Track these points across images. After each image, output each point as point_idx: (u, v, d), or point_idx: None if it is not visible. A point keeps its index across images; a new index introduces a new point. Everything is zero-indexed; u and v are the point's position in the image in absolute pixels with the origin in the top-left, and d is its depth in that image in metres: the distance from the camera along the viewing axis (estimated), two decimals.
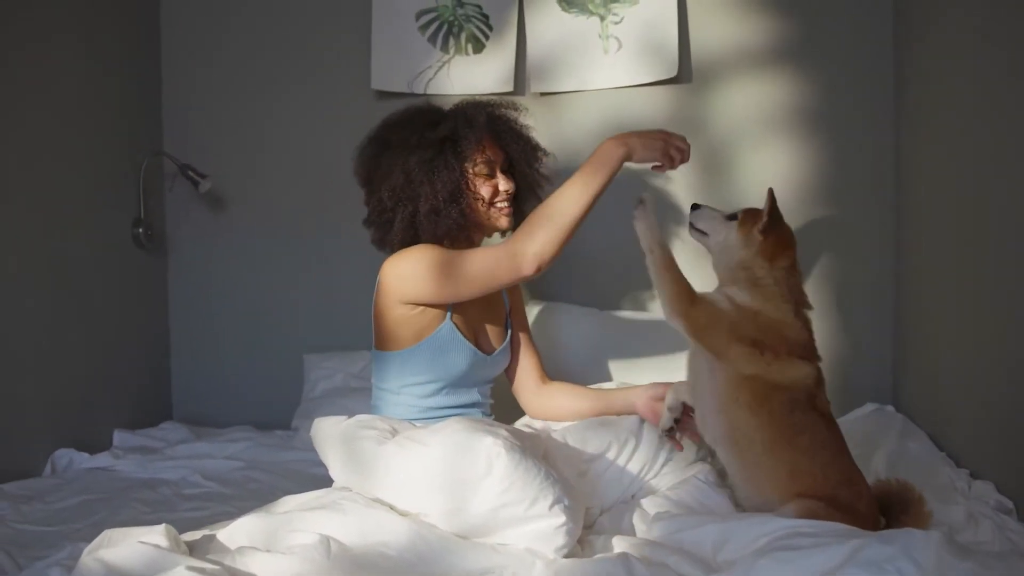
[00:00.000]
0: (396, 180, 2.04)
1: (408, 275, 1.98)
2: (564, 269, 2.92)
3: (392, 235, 2.08)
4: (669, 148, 1.95)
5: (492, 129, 2.13)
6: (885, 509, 1.76)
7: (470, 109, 2.14)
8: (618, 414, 2.11)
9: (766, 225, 1.83)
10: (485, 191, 2.09)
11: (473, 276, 1.95)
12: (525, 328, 2.34)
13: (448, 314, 2.05)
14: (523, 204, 2.21)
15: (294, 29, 3.12)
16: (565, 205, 1.90)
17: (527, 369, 2.27)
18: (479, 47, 2.96)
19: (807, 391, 1.77)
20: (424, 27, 2.98)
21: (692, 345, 1.88)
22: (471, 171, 2.07)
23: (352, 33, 3.05)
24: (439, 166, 2.02)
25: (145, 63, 3.14)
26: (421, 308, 2.01)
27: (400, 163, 2.04)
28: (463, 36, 2.96)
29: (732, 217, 1.90)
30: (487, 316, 2.19)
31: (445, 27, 2.97)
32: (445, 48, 2.97)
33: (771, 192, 1.84)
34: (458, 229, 2.05)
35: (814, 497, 1.66)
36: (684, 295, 1.82)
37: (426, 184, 2.02)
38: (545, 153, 2.26)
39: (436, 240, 2.05)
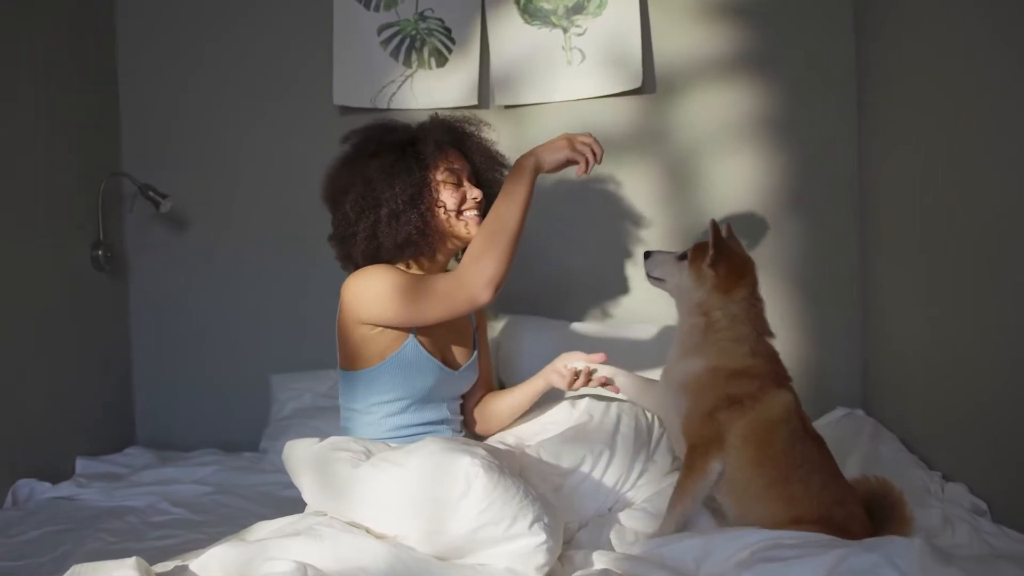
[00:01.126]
0: (357, 189, 2.01)
1: (368, 296, 1.95)
2: (532, 281, 2.92)
3: (355, 248, 2.04)
4: (576, 145, 1.95)
5: (454, 139, 2.12)
6: (866, 508, 1.76)
7: (429, 122, 2.14)
8: (540, 394, 2.16)
9: (713, 259, 1.83)
10: (451, 200, 2.06)
11: (433, 305, 1.93)
12: (485, 344, 2.33)
13: (412, 332, 2.02)
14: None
15: (255, 46, 3.09)
16: (501, 224, 1.90)
17: (480, 385, 2.26)
18: (442, 61, 2.94)
19: (797, 415, 1.78)
20: (386, 42, 2.96)
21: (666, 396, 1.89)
22: (434, 177, 2.04)
23: (314, 48, 3.02)
24: (399, 170, 2.00)
25: (102, 81, 3.08)
26: (382, 328, 1.99)
27: (360, 171, 2.02)
28: (426, 50, 2.95)
29: (683, 257, 1.91)
30: (453, 333, 2.16)
31: (407, 41, 2.95)
32: (408, 63, 2.95)
33: (713, 223, 1.84)
34: (419, 235, 2.01)
35: (809, 522, 1.65)
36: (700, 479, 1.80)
37: (387, 188, 1.99)
38: (508, 167, 2.24)
39: (397, 248, 2.02)
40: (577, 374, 2.07)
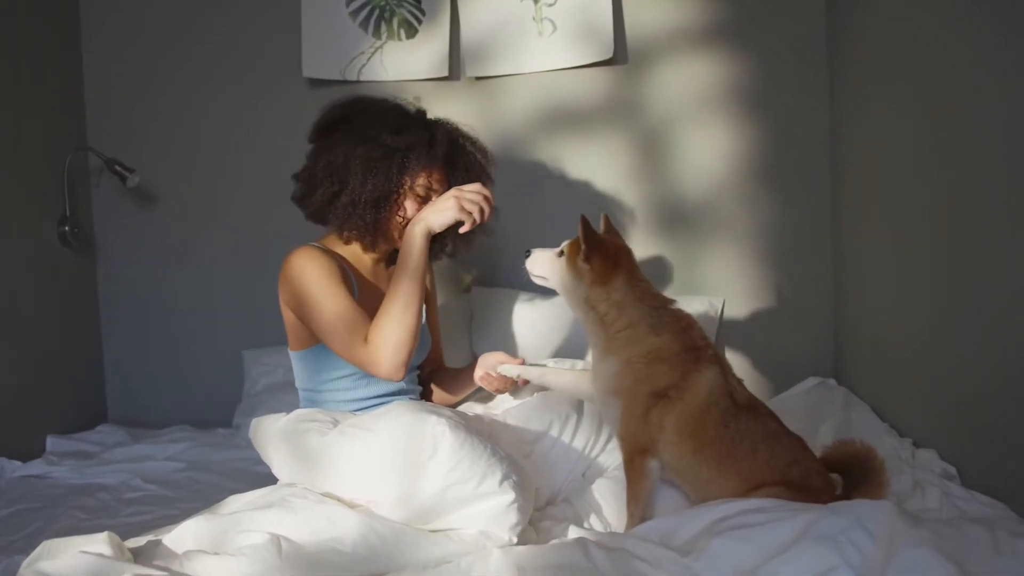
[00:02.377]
0: (336, 158, 1.98)
1: (294, 290, 1.95)
2: (502, 253, 2.91)
3: (308, 201, 2.04)
4: (462, 203, 1.91)
5: (449, 162, 2.07)
6: (845, 470, 1.78)
7: (440, 131, 2.06)
8: (469, 391, 2.21)
9: (586, 253, 1.82)
10: (411, 210, 2.02)
11: (342, 351, 1.92)
12: (433, 319, 2.32)
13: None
14: (453, 244, 2.16)
15: (222, 17, 3.04)
16: (407, 304, 1.88)
17: (429, 358, 2.26)
18: (412, 32, 2.91)
19: (724, 392, 1.76)
20: (355, 12, 2.92)
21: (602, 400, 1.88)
22: (406, 187, 2.00)
23: (282, 20, 2.98)
24: (379, 170, 1.96)
25: (65, 54, 3.02)
26: None
27: (347, 146, 1.98)
28: (395, 21, 2.91)
29: (560, 253, 1.89)
30: None
31: (377, 12, 2.92)
32: (377, 34, 2.92)
33: (583, 219, 1.82)
34: (366, 229, 2.00)
35: (767, 485, 1.67)
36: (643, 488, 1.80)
37: (357, 178, 1.96)
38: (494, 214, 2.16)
39: (340, 227, 2.01)
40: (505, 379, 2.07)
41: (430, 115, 2.12)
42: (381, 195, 1.97)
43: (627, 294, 1.81)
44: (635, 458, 1.77)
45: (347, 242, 2.07)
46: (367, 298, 2.03)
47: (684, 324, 1.83)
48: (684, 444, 1.73)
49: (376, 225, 2.00)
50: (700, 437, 1.73)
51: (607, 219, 1.98)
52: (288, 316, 2.04)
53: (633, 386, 1.77)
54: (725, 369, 1.80)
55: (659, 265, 2.91)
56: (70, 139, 3.00)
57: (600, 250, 1.82)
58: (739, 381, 1.82)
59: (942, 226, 1.99)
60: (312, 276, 1.93)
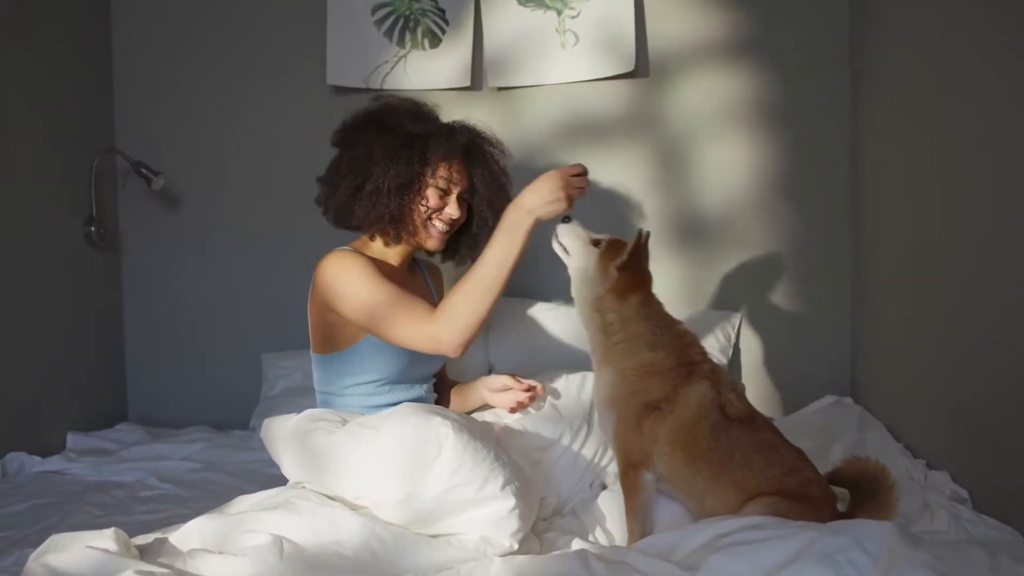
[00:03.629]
0: (359, 152, 2.02)
1: (341, 292, 1.95)
2: (521, 264, 2.91)
3: (332, 199, 2.06)
4: (570, 191, 1.86)
5: (468, 153, 2.10)
6: (855, 486, 1.77)
7: (459, 126, 2.11)
8: (474, 408, 2.17)
9: (624, 263, 1.83)
10: (433, 202, 2.04)
11: (399, 336, 1.91)
12: None
13: None
14: (471, 241, 2.18)
15: (248, 24, 3.08)
16: (483, 291, 1.84)
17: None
18: (435, 42, 2.94)
19: (715, 406, 1.77)
20: (380, 22, 2.95)
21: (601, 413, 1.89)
22: (428, 177, 2.03)
23: (307, 28, 3.01)
24: (400, 157, 1.99)
25: (96, 59, 3.08)
26: None
27: (368, 139, 2.02)
28: (419, 31, 2.94)
29: (596, 243, 1.90)
30: None
31: (401, 21, 2.94)
32: (401, 43, 2.95)
33: (641, 235, 1.84)
34: (391, 221, 2.02)
35: (764, 495, 1.67)
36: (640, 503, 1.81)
37: (380, 166, 1.99)
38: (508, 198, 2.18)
39: (366, 221, 2.02)
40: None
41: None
42: (404, 182, 1.99)
43: (636, 312, 1.84)
44: (629, 472, 1.78)
45: (372, 237, 2.09)
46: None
47: (685, 342, 1.86)
48: (676, 456, 1.75)
49: (400, 214, 2.02)
50: (691, 450, 1.74)
51: (647, 237, 1.92)
52: (317, 319, 2.05)
53: (627, 397, 1.79)
54: (720, 383, 1.81)
55: (677, 278, 2.90)
56: (98, 141, 3.05)
57: (634, 268, 1.84)
58: (738, 395, 1.83)
59: (963, 244, 1.97)
60: (356, 272, 1.94)
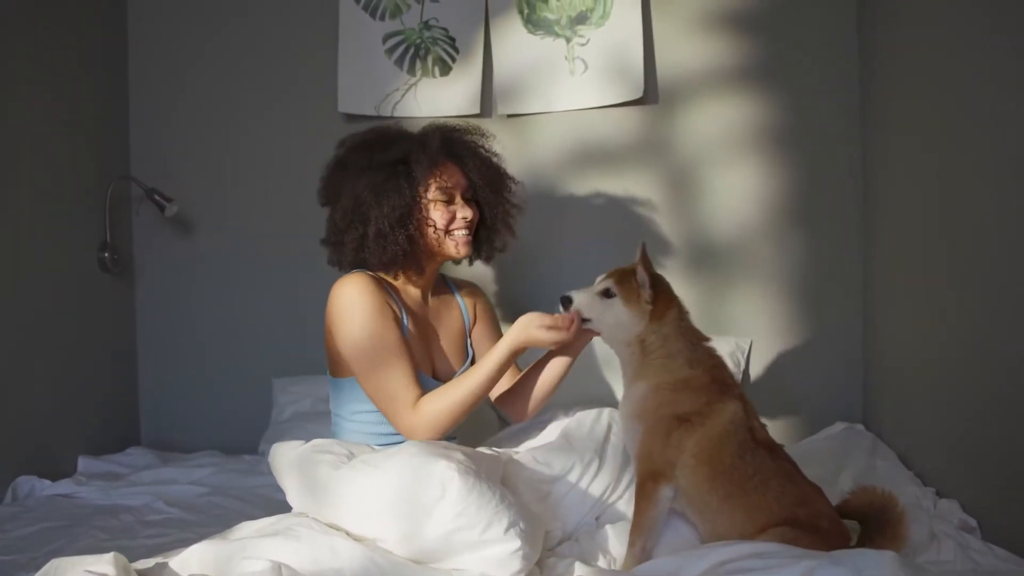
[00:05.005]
0: (347, 203, 2.02)
1: (338, 321, 1.99)
2: (531, 292, 2.93)
3: (343, 256, 2.07)
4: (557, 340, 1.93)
5: (451, 153, 2.10)
6: (864, 518, 1.75)
7: (428, 131, 2.11)
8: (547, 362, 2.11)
9: (652, 296, 1.83)
10: (441, 219, 2.06)
11: (372, 399, 1.98)
12: (490, 340, 2.27)
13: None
14: (491, 235, 2.19)
15: (262, 52, 3.12)
16: (472, 400, 1.94)
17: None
18: (446, 69, 2.96)
19: (744, 426, 1.77)
20: (391, 50, 2.98)
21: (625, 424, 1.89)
22: (424, 196, 2.04)
23: (319, 56, 3.05)
24: (389, 189, 2.00)
25: (112, 86, 3.13)
26: None
27: (351, 186, 2.03)
28: (430, 59, 2.97)
29: (606, 294, 1.87)
30: (444, 338, 2.18)
31: (412, 50, 2.97)
32: (412, 71, 2.98)
33: (644, 249, 1.85)
34: (404, 256, 2.03)
35: (773, 527, 1.66)
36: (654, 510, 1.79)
37: (375, 207, 2.00)
38: (514, 181, 2.24)
39: (383, 264, 2.04)
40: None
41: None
42: (403, 212, 2.00)
43: (675, 328, 1.85)
44: (648, 483, 1.76)
45: (395, 277, 2.10)
46: (417, 329, 2.08)
47: (716, 362, 1.87)
48: (700, 470, 1.73)
49: (413, 244, 2.03)
50: (715, 465, 1.73)
51: (644, 248, 1.92)
52: (328, 341, 2.07)
53: (657, 409, 1.78)
54: (748, 408, 1.81)
55: (687, 304, 2.87)
56: (113, 168, 3.08)
57: (658, 287, 1.85)
58: (762, 424, 1.83)
59: (976, 272, 1.95)
60: (357, 312, 1.97)
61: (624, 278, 1.87)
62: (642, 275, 1.84)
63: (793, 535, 1.62)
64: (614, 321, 1.86)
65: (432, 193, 2.05)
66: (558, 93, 2.90)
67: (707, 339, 1.90)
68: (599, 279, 1.92)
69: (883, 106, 2.60)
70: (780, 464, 1.76)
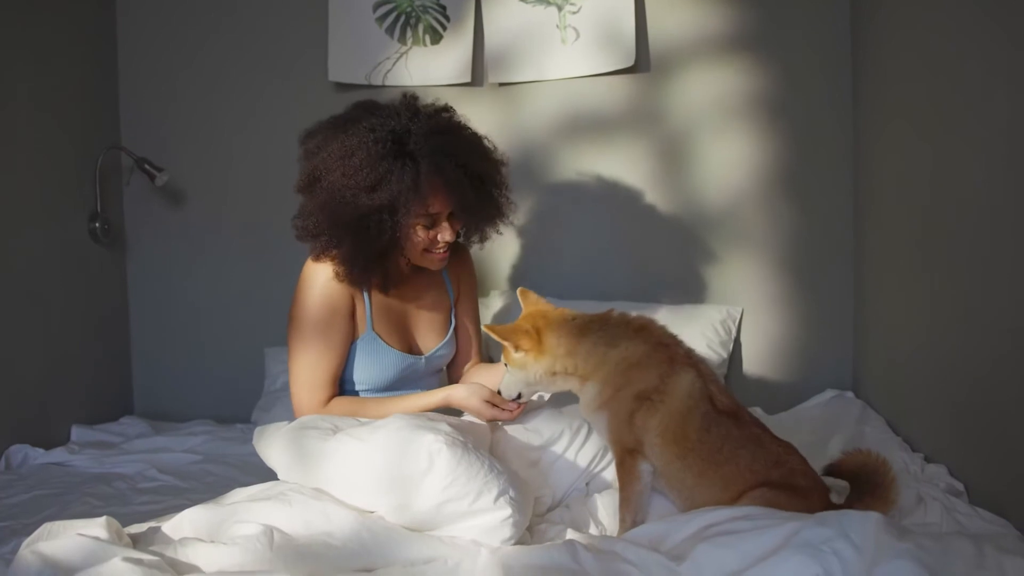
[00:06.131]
0: (322, 220, 1.95)
1: (294, 298, 2.05)
2: (524, 260, 2.93)
3: (313, 247, 2.01)
4: (491, 417, 1.93)
5: (446, 181, 1.96)
6: (855, 479, 1.77)
7: (425, 163, 1.92)
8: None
9: (514, 345, 1.83)
10: (420, 240, 2.01)
11: (290, 372, 2.05)
12: (468, 314, 2.31)
13: (368, 323, 2.05)
14: (477, 232, 2.17)
15: (251, 21, 3.10)
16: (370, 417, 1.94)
17: (461, 360, 2.29)
18: (437, 38, 2.95)
19: (704, 397, 1.77)
20: (381, 18, 2.96)
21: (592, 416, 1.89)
22: (406, 223, 1.95)
23: (309, 25, 3.03)
24: (370, 229, 1.92)
25: (102, 56, 3.10)
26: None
27: (329, 210, 1.93)
28: (420, 27, 2.95)
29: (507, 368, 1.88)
30: (424, 313, 2.18)
31: (402, 18, 2.95)
32: (403, 39, 2.96)
33: (487, 327, 1.89)
34: (377, 270, 2.01)
35: (750, 490, 1.67)
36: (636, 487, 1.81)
37: (352, 241, 1.93)
38: (510, 206, 2.18)
39: (348, 275, 2.00)
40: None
41: (418, 115, 2.00)
42: (381, 248, 1.96)
43: (565, 341, 1.82)
44: (626, 459, 1.78)
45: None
46: (395, 305, 2.09)
47: (635, 326, 1.85)
48: (669, 449, 1.74)
49: (386, 263, 2.01)
50: (683, 443, 1.73)
51: (523, 292, 1.98)
52: None
53: (615, 394, 1.79)
54: (704, 374, 1.81)
55: (678, 272, 2.91)
56: (103, 138, 3.07)
57: (517, 334, 1.83)
58: (721, 388, 1.83)
59: (966, 239, 1.96)
60: (305, 292, 2.01)
61: (504, 349, 1.87)
62: (499, 341, 1.85)
63: (771, 495, 1.65)
64: (530, 384, 1.87)
65: (415, 220, 1.98)
66: (549, 61, 2.89)
67: (610, 312, 1.88)
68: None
69: (876, 75, 2.60)
70: (747, 430, 1.76)
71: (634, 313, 1.89)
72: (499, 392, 1.92)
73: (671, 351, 1.81)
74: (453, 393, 1.96)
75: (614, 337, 1.81)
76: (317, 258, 2.02)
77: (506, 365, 1.88)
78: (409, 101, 2.04)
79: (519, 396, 1.91)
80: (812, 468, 1.76)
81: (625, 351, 1.79)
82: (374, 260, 1.98)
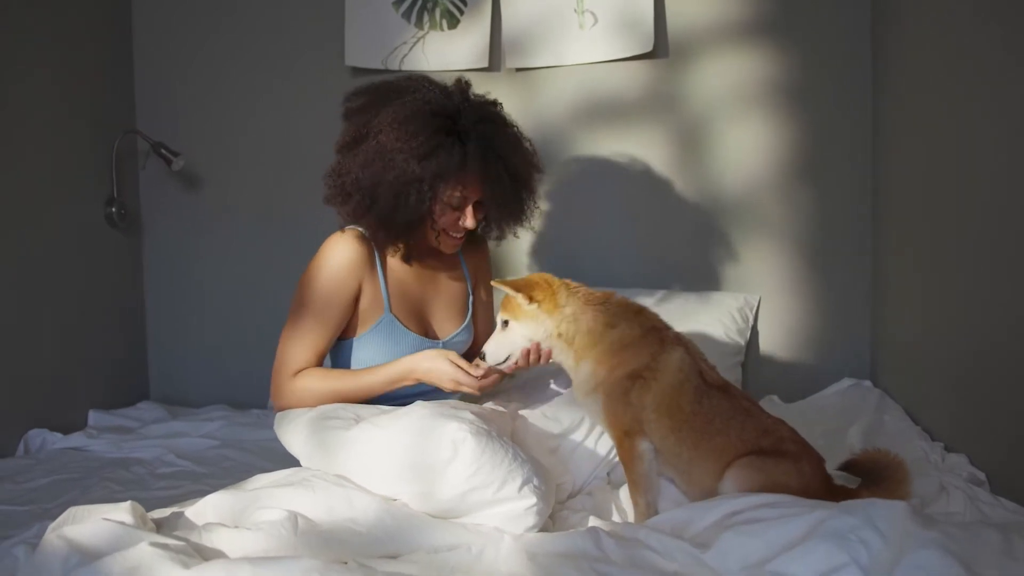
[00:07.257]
0: (364, 178, 1.94)
1: (307, 269, 2.03)
2: (543, 248, 2.92)
3: (342, 210, 2.03)
4: (459, 388, 1.93)
5: (484, 171, 1.98)
6: (869, 477, 1.77)
7: (473, 151, 1.95)
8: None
9: (527, 296, 1.83)
10: (444, 220, 2.02)
11: (281, 336, 2.06)
12: (482, 303, 2.31)
13: (386, 305, 2.05)
14: (496, 228, 2.16)
15: (267, 6, 3.09)
16: (339, 400, 1.97)
17: (475, 349, 2.26)
18: (454, 23, 2.93)
19: (694, 371, 1.80)
20: (398, 3, 2.95)
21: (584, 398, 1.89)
22: (440, 199, 1.98)
23: (326, 9, 3.02)
24: (409, 195, 1.93)
25: (117, 40, 3.10)
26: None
27: (374, 169, 1.93)
28: (437, 11, 2.93)
29: (504, 326, 1.88)
30: (442, 298, 2.18)
31: (420, 3, 2.94)
32: (419, 24, 2.94)
33: (497, 281, 1.89)
34: (401, 239, 2.02)
35: (740, 457, 1.70)
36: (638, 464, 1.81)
37: (388, 201, 1.94)
38: (534, 212, 2.18)
39: (374, 235, 2.01)
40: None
41: (470, 100, 2.03)
42: (413, 217, 1.96)
43: (575, 306, 1.84)
44: (624, 441, 1.79)
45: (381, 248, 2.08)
46: (412, 288, 2.08)
47: (634, 310, 1.89)
48: (663, 422, 1.76)
49: (410, 235, 2.01)
50: (676, 415, 1.76)
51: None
52: None
53: (608, 375, 1.80)
54: (693, 353, 1.84)
55: (695, 260, 2.90)
56: (119, 123, 3.07)
57: (531, 286, 1.85)
58: (711, 366, 1.85)
59: (985, 227, 1.94)
60: (317, 268, 2.00)
61: (506, 303, 1.88)
62: (509, 291, 1.85)
63: (760, 462, 1.67)
64: (525, 341, 1.87)
65: (447, 198, 1.98)
66: (567, 47, 2.87)
67: (612, 294, 1.90)
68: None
69: (895, 62, 2.58)
70: (736, 403, 1.79)
71: (628, 299, 1.92)
72: (483, 357, 1.90)
73: (662, 334, 1.85)
74: (417, 368, 1.95)
75: (614, 317, 1.84)
76: (343, 229, 2.03)
77: (505, 323, 1.88)
78: (462, 86, 2.05)
79: (505, 360, 1.89)
80: (800, 436, 1.78)
81: (621, 332, 1.82)
82: (403, 228, 1.98)
